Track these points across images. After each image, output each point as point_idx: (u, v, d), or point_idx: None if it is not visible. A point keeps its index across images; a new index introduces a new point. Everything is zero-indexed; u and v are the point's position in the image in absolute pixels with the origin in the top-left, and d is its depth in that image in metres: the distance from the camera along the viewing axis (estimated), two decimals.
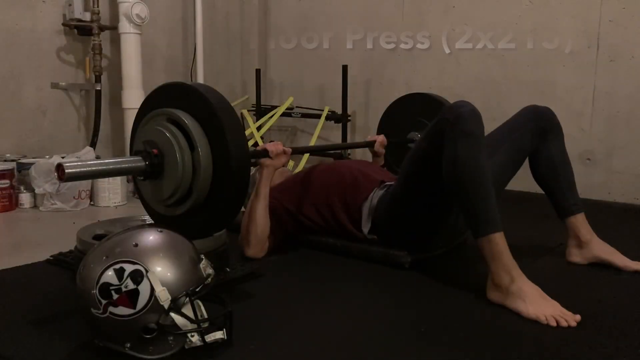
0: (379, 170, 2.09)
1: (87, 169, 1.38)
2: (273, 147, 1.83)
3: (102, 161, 1.48)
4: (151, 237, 1.16)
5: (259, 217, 1.80)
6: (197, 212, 1.40)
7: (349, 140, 3.46)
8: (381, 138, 2.31)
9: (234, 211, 1.43)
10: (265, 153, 1.82)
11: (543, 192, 1.85)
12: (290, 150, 1.88)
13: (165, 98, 1.45)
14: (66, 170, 1.26)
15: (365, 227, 1.84)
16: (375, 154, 2.33)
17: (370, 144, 2.32)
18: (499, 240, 1.44)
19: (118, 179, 2.73)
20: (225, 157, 1.33)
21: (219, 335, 1.14)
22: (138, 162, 1.38)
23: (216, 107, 1.34)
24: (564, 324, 1.30)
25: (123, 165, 1.41)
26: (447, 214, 1.72)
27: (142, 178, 1.43)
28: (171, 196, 1.38)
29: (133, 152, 1.45)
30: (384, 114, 2.75)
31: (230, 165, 1.33)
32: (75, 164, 1.31)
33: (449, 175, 1.52)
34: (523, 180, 1.91)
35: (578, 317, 1.32)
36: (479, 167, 1.49)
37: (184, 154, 1.34)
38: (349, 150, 3.47)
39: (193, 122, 1.35)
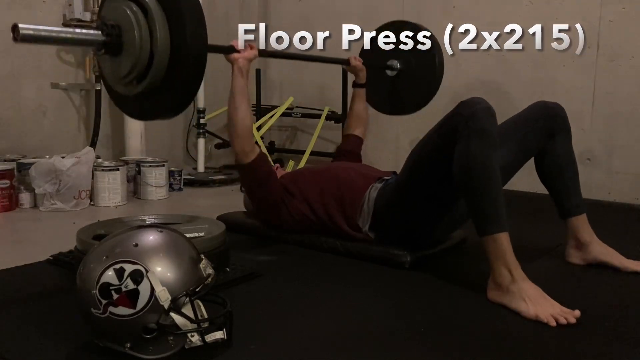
0: (376, 170, 2.09)
1: (44, 33, 1.40)
2: (237, 42, 1.86)
3: (61, 29, 1.56)
4: (151, 237, 1.16)
5: (235, 111, 1.83)
6: (154, 92, 1.47)
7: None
8: (353, 56, 2.38)
9: (190, 93, 1.52)
10: (232, 49, 1.85)
11: (542, 192, 1.85)
12: (256, 47, 1.89)
13: None
14: (21, 32, 1.29)
15: (365, 223, 1.83)
16: (354, 71, 2.38)
17: (345, 62, 2.37)
18: (504, 240, 1.44)
19: (118, 179, 2.72)
20: (182, 36, 1.41)
21: (219, 335, 1.14)
22: (97, 35, 1.45)
23: None
24: (563, 321, 1.30)
25: (81, 37, 1.48)
26: (450, 206, 1.72)
27: (102, 52, 1.49)
28: (129, 73, 1.45)
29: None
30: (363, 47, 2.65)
31: (187, 43, 1.41)
32: (33, 26, 1.33)
33: (460, 172, 1.52)
34: (523, 180, 1.91)
35: (577, 312, 1.32)
36: (491, 166, 1.48)
37: (142, 29, 1.41)
38: None
39: (154, 2, 1.42)
